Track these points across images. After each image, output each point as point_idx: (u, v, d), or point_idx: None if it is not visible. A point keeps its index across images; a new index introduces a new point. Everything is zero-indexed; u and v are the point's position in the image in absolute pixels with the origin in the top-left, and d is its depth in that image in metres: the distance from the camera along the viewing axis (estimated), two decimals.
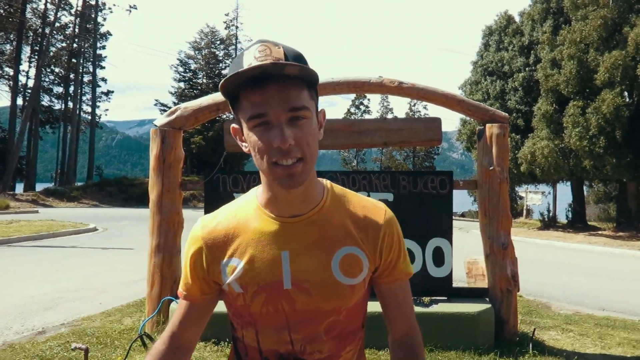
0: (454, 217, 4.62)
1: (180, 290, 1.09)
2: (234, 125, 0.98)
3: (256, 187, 1.06)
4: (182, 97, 37.43)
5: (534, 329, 4.24)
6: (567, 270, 9.37)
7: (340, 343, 1.04)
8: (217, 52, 41.07)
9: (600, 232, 18.22)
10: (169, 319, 4.05)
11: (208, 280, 1.04)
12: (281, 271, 0.98)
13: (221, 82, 0.89)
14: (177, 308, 1.10)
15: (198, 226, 1.06)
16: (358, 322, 1.07)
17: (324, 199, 1.02)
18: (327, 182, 1.06)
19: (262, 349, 1.04)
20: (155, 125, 4.26)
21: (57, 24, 34.96)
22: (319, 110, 0.99)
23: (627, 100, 15.79)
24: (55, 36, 36.58)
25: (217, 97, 4.31)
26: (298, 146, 0.89)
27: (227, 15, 42.89)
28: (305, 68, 0.88)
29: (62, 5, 34.72)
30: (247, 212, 1.03)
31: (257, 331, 1.03)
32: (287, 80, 0.88)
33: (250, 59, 0.88)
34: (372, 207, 1.06)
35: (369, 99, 48.43)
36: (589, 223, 21.66)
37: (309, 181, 0.97)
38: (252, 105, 0.89)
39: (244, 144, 0.97)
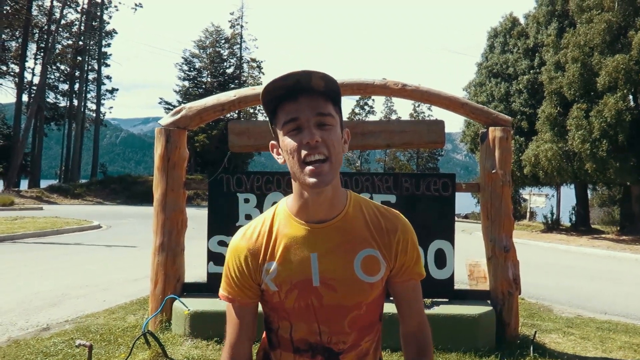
0: (456, 219, 4.63)
1: (225, 294, 1.22)
2: (272, 142, 1.16)
3: (285, 198, 1.22)
4: (186, 95, 37.56)
5: (535, 332, 4.24)
6: (569, 274, 9.35)
7: (361, 334, 1.19)
8: (222, 51, 41.19)
9: (603, 235, 18.17)
10: (171, 318, 4.09)
11: (252, 285, 1.18)
12: (311, 270, 1.13)
13: (262, 92, 1.06)
14: (229, 321, 1.22)
15: (240, 237, 1.20)
16: (376, 315, 1.23)
17: (347, 206, 1.17)
18: (349, 192, 1.20)
19: (293, 339, 1.18)
20: (160, 125, 4.29)
21: (62, 22, 35.11)
22: (344, 129, 1.14)
23: (632, 104, 15.72)
24: (61, 33, 36.74)
25: (222, 97, 4.34)
26: (324, 144, 1.05)
27: (232, 14, 43.13)
28: (328, 77, 1.05)
29: (68, 3, 34.84)
30: (280, 220, 1.18)
31: (292, 324, 1.18)
32: (315, 93, 1.07)
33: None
34: (389, 214, 1.21)
35: (373, 100, 48.45)
36: (593, 226, 21.61)
37: (334, 188, 1.11)
38: (287, 114, 1.07)
39: (279, 157, 1.14)
